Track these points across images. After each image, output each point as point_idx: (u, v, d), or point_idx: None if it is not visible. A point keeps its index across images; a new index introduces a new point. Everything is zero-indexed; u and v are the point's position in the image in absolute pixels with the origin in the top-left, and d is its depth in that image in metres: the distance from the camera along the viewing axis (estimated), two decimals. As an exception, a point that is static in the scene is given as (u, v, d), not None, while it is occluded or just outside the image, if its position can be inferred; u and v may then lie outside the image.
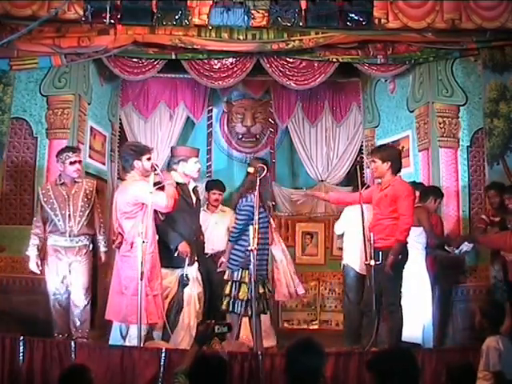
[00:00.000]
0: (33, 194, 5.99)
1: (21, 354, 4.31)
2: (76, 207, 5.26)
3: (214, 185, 6.49)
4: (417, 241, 5.55)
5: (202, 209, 5.99)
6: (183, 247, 5.18)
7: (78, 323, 5.20)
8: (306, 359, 2.94)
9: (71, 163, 5.26)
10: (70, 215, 5.23)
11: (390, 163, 5.10)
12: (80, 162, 5.38)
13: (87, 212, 5.30)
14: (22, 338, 4.36)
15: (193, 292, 5.27)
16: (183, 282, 4.91)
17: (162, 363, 4.22)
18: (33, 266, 5.23)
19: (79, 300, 5.22)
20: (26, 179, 6.05)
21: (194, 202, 5.50)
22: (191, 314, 5.26)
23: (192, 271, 5.28)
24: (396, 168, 5.17)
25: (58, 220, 5.22)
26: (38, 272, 5.26)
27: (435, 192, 5.95)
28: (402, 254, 5.00)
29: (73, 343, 4.45)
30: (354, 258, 5.88)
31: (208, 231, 6.03)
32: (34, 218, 5.37)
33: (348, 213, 5.98)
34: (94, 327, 5.54)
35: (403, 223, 4.98)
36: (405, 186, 5.17)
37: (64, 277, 5.21)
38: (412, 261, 5.26)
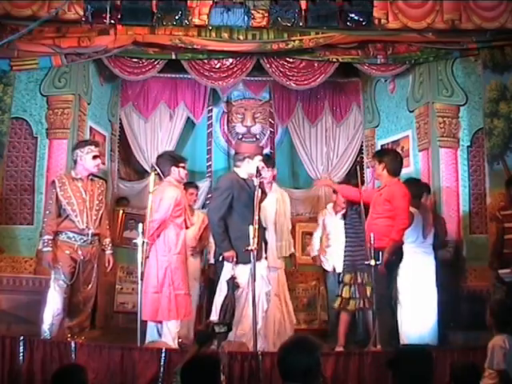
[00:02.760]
0: (33, 194, 6.00)
1: (21, 354, 4.29)
2: (92, 205, 5.01)
3: None
4: (425, 241, 5.53)
5: None
6: (228, 253, 5.04)
7: (77, 329, 4.96)
8: (298, 357, 2.88)
9: (94, 157, 5.06)
10: (87, 213, 4.95)
11: (384, 164, 5.25)
12: (100, 157, 5.23)
13: (100, 212, 5.07)
14: (22, 337, 4.34)
15: (262, 290, 5.05)
16: (232, 285, 4.80)
17: (162, 363, 4.20)
18: (48, 262, 4.88)
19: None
20: (25, 179, 6.04)
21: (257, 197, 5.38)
22: (258, 314, 4.91)
23: (260, 268, 5.05)
24: (392, 169, 5.26)
25: (76, 216, 4.91)
26: (53, 269, 4.92)
27: (425, 187, 5.94)
28: (396, 253, 5.04)
29: (73, 343, 4.42)
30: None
31: None
32: (47, 212, 5.03)
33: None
34: (94, 327, 5.53)
35: (400, 223, 5.04)
36: (401, 187, 5.24)
37: (74, 278, 4.92)
38: (418, 261, 5.36)
